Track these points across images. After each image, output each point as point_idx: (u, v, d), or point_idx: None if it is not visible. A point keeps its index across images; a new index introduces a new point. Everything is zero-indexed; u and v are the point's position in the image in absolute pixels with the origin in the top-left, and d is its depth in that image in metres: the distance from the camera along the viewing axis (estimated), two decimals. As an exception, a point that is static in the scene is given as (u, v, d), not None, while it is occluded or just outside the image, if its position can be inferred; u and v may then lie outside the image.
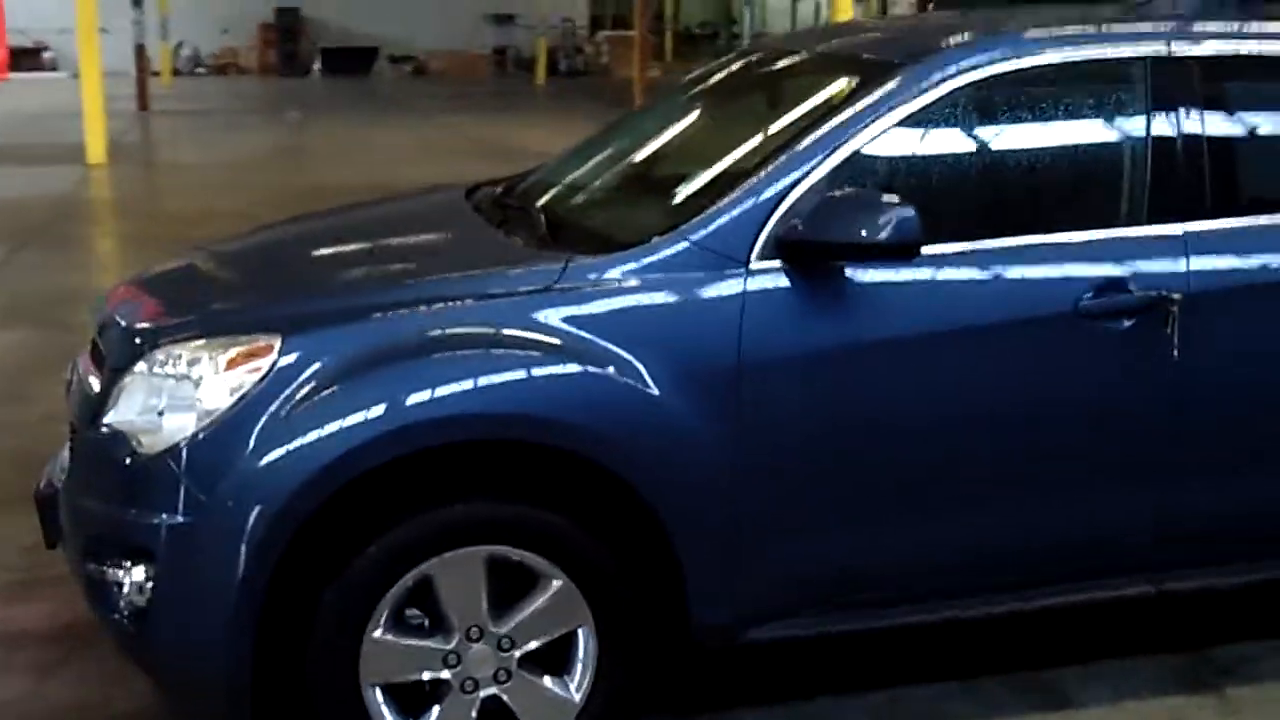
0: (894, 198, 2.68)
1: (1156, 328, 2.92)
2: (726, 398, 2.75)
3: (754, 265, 2.78)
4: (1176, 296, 2.91)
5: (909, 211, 2.64)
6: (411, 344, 2.66)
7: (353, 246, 3.34)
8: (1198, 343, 2.93)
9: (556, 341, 2.69)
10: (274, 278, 3.15)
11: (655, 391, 2.70)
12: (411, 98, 23.54)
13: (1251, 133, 3.20)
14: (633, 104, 21.62)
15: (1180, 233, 2.98)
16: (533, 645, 2.77)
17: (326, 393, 2.60)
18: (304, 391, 2.60)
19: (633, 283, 2.76)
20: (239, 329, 2.74)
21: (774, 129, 3.16)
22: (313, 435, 2.58)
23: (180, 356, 2.74)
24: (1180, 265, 2.96)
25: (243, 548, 2.58)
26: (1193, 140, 3.02)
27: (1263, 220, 3.07)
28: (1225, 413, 3.00)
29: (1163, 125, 3.00)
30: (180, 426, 2.67)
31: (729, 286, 2.77)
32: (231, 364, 2.66)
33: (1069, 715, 3.18)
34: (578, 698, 2.81)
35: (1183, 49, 3.06)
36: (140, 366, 2.79)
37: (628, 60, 29.63)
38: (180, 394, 2.70)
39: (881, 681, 3.28)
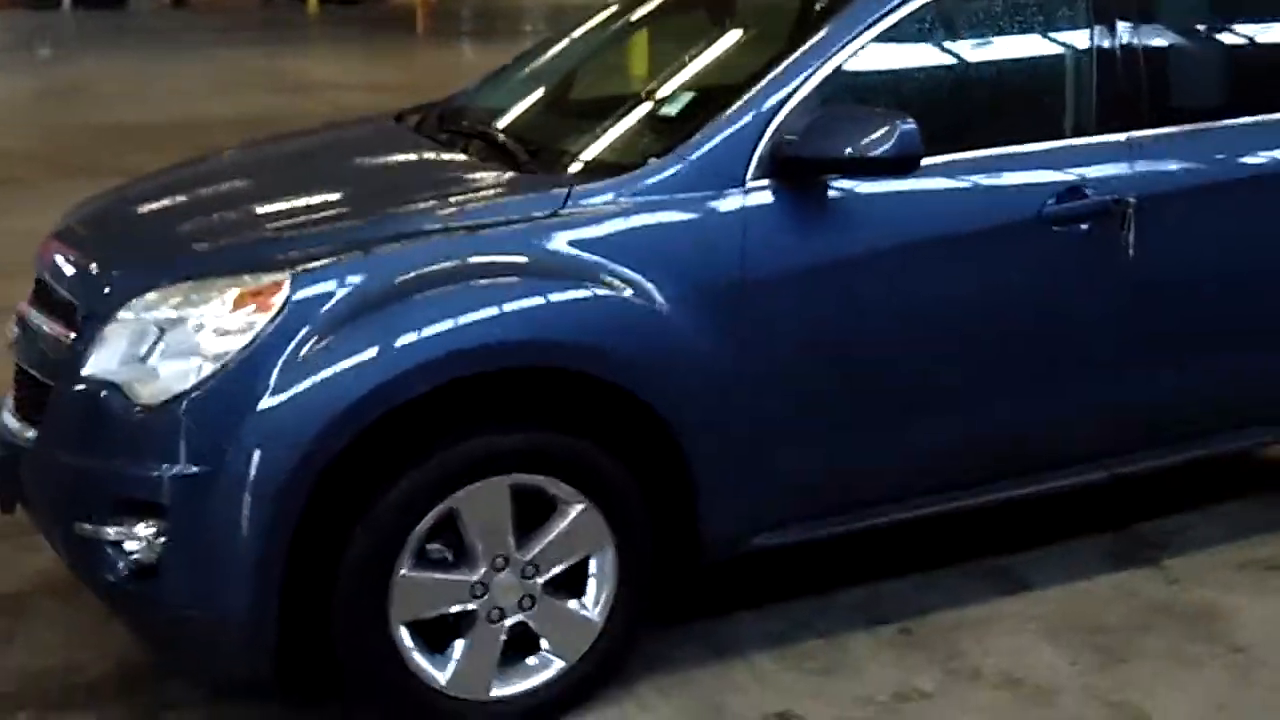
0: (893, 112, 2.75)
1: (1112, 230, 3.10)
2: (731, 313, 2.78)
3: (750, 183, 2.81)
4: (1130, 200, 3.09)
5: (910, 124, 2.71)
6: (429, 275, 2.59)
7: (323, 178, 3.21)
8: (1149, 242, 3.12)
9: (572, 266, 2.67)
10: (252, 213, 3.00)
11: (666, 310, 2.72)
12: (179, 31, 22.28)
13: (1188, 43, 3.40)
14: (417, 31, 21.14)
15: (1125, 140, 3.16)
16: (556, 570, 2.77)
17: (346, 329, 2.52)
18: (321, 329, 2.51)
19: (636, 204, 2.76)
20: (239, 268, 2.61)
21: (746, 46, 3.19)
22: (338, 372, 2.49)
23: (175, 299, 2.60)
24: (1129, 171, 3.14)
25: (269, 492, 2.49)
26: (1130, 51, 3.19)
27: (1201, 126, 3.27)
28: (1174, 306, 3.22)
29: (1104, 38, 3.16)
30: (182, 372, 2.54)
31: (728, 204, 2.80)
32: (238, 304, 2.55)
33: (1031, 597, 3.38)
34: (599, 618, 2.83)
35: None
36: (124, 313, 2.63)
37: (400, -14, 28.91)
38: (179, 339, 2.57)
39: (852, 579, 3.42)
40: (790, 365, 2.87)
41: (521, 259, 2.66)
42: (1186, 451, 3.42)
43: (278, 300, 2.52)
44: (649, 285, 2.72)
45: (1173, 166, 3.19)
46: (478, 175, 3.02)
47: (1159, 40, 3.25)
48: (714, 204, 2.80)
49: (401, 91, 13.76)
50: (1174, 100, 3.27)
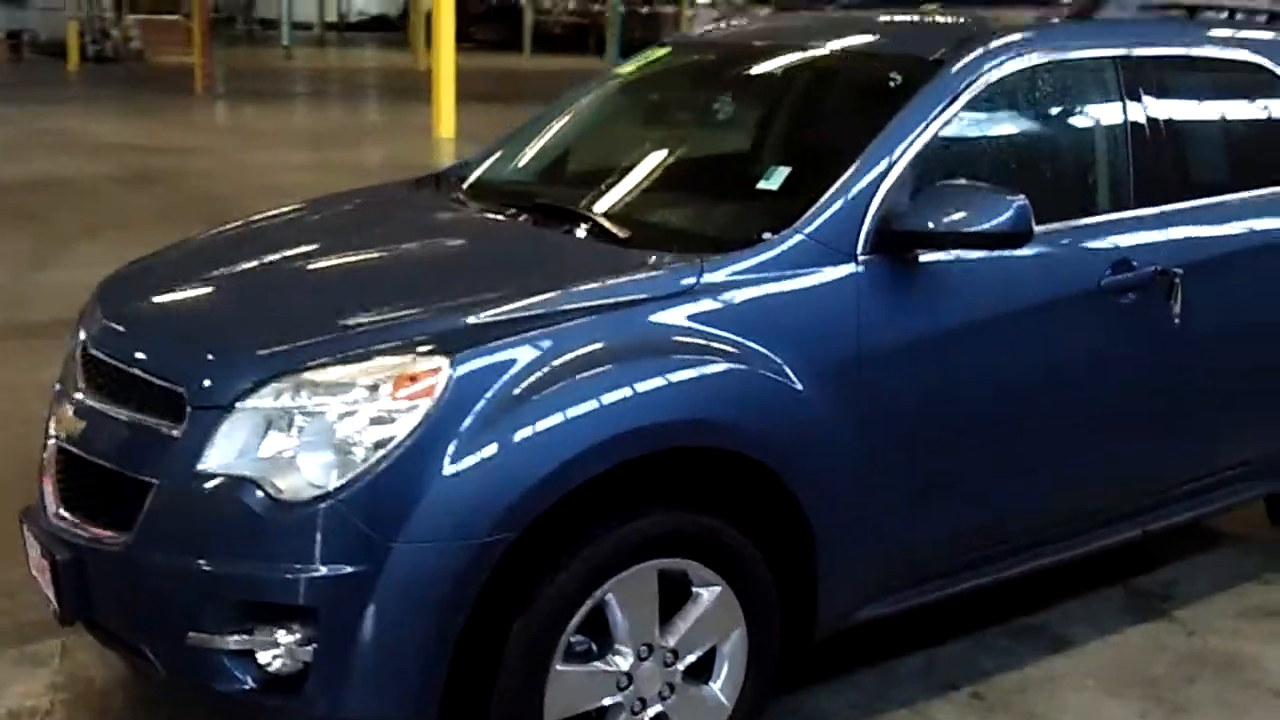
0: (1004, 189, 2.84)
1: (1158, 298, 3.29)
2: (850, 385, 2.80)
3: (860, 256, 2.84)
4: (1176, 270, 3.28)
5: (1024, 201, 2.80)
6: (587, 356, 2.50)
7: (414, 254, 3.06)
8: (1191, 308, 3.32)
9: (714, 344, 2.63)
10: (366, 291, 2.80)
11: (795, 384, 2.72)
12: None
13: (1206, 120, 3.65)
14: (194, 91, 20.37)
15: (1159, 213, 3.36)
16: (694, 656, 2.70)
17: (513, 414, 2.40)
18: (486, 414, 2.39)
19: (760, 280, 2.75)
20: (386, 350, 2.46)
21: (834, 124, 3.23)
22: (512, 459, 2.38)
23: (316, 386, 2.42)
24: (1167, 240, 3.33)
25: (441, 591, 2.35)
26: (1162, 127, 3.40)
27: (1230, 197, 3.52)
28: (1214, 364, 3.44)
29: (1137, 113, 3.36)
30: (332, 464, 2.37)
31: (843, 278, 2.82)
32: (397, 388, 2.39)
33: (1076, 654, 3.50)
34: (729, 702, 2.77)
35: (1144, 50, 3.43)
36: (252, 402, 2.44)
37: (161, 45, 27.90)
38: (324, 428, 2.39)
39: (904, 649, 3.46)
40: (902, 435, 2.90)
41: (670, 338, 2.61)
42: (1209, 506, 3.63)
43: (439, 384, 2.39)
44: (778, 360, 2.70)
45: (1204, 235, 3.41)
46: (592, 253, 2.94)
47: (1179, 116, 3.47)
48: (829, 278, 2.81)
49: (207, 154, 13.34)
50: (1197, 175, 3.50)
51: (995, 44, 3.16)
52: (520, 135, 3.85)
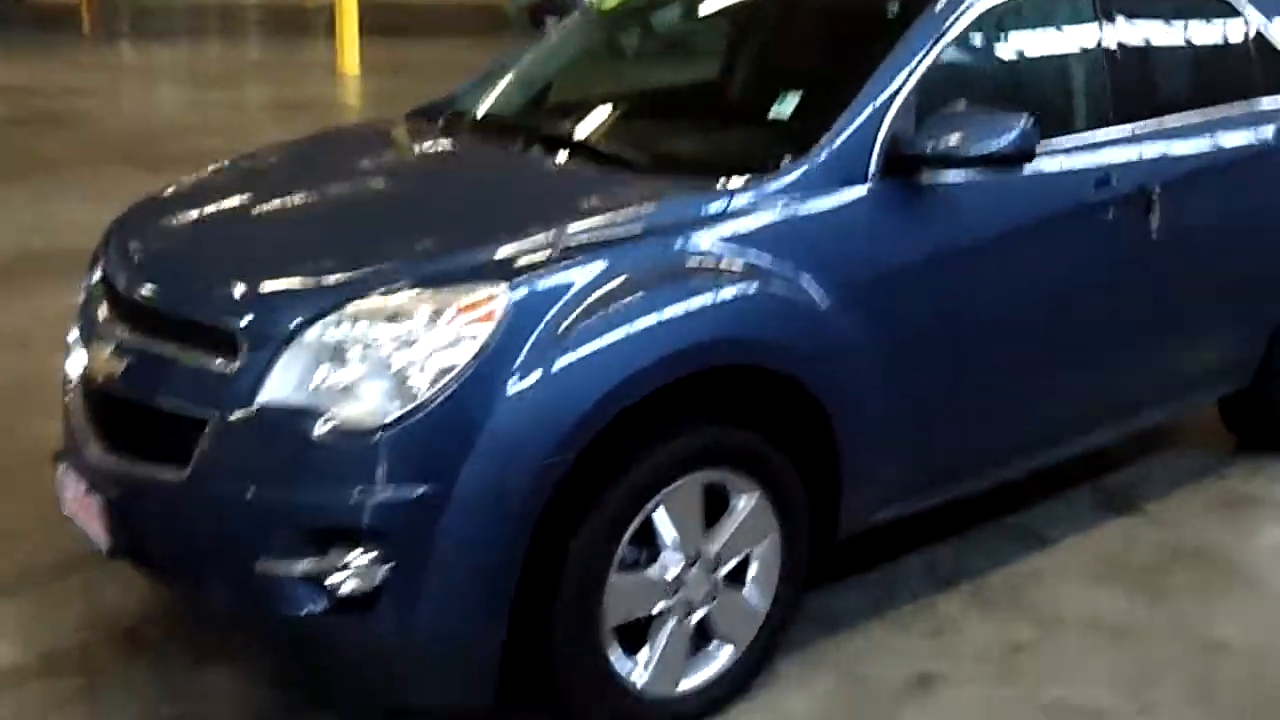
0: (1012, 111, 2.97)
1: (1137, 212, 3.47)
2: (866, 300, 2.92)
3: (871, 179, 2.96)
4: (1154, 187, 3.47)
5: (1032, 122, 2.94)
6: (637, 279, 2.59)
7: (435, 184, 3.11)
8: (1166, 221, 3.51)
9: (745, 266, 2.74)
10: (407, 221, 2.85)
11: (819, 302, 2.84)
12: None
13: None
14: (80, 30, 19.67)
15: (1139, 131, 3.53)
16: (734, 561, 2.84)
17: (570, 336, 2.48)
18: (544, 338, 2.47)
19: (783, 203, 2.85)
20: (448, 279, 2.52)
21: (835, 52, 3.33)
22: (571, 379, 2.47)
23: (374, 316, 2.48)
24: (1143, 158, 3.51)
25: (510, 508, 2.44)
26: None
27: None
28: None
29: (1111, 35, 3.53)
30: (397, 391, 2.43)
31: (856, 200, 2.94)
32: (457, 316, 2.46)
33: (1059, 549, 3.71)
34: (764, 604, 2.92)
35: None
36: (311, 334, 2.48)
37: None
38: (387, 357, 2.45)
39: (903, 550, 3.64)
40: (915, 347, 3.04)
41: (707, 261, 2.70)
42: (1180, 407, 3.86)
43: (498, 310, 2.46)
44: (801, 280, 2.82)
45: (1176, 151, 3.59)
46: (617, 182, 3.00)
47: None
48: (844, 200, 2.92)
49: (111, 94, 12.98)
50: (1166, 93, 3.68)
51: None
52: (509, 69, 3.88)
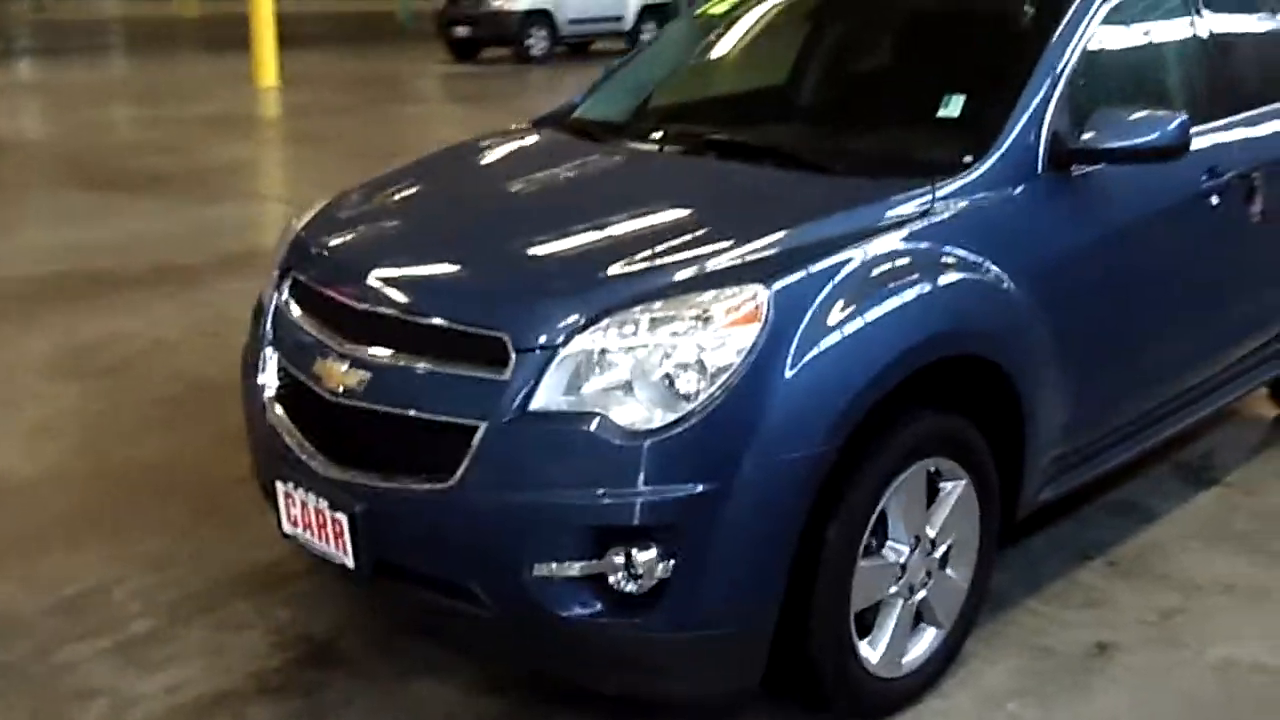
0: (1166, 110, 3.18)
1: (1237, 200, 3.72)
2: (1046, 287, 3.08)
3: (1042, 173, 3.14)
4: (1256, 175, 3.72)
5: (1184, 116, 3.15)
6: (875, 275, 2.72)
7: (640, 193, 3.19)
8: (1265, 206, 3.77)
9: (963, 257, 2.89)
10: (635, 228, 2.93)
11: (1010, 290, 2.99)
12: None
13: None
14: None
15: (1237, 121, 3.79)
16: (948, 544, 2.97)
17: (828, 334, 2.59)
18: (804, 336, 2.57)
19: (975, 199, 3.00)
20: (709, 282, 2.61)
21: (986, 52, 3.50)
22: (834, 375, 2.58)
23: (649, 320, 2.56)
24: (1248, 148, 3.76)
25: (787, 501, 2.54)
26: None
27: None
28: None
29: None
30: (674, 393, 2.51)
31: (1029, 192, 3.11)
32: (725, 316, 2.55)
33: (1168, 521, 3.94)
34: (967, 584, 3.06)
35: None
36: (585, 338, 2.55)
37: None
38: (661, 359, 2.53)
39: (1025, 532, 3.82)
40: (1080, 329, 3.21)
41: (928, 256, 2.84)
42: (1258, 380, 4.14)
43: (762, 309, 2.56)
44: (996, 270, 2.97)
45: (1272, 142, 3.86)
46: (817, 184, 3.14)
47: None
48: (1020, 192, 3.09)
49: (36, 115, 12.57)
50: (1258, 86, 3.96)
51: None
52: (631, 73, 3.98)
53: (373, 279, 2.85)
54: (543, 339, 2.57)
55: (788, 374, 2.54)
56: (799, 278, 2.64)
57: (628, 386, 2.54)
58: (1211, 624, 3.37)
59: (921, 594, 2.94)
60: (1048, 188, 3.15)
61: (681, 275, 2.66)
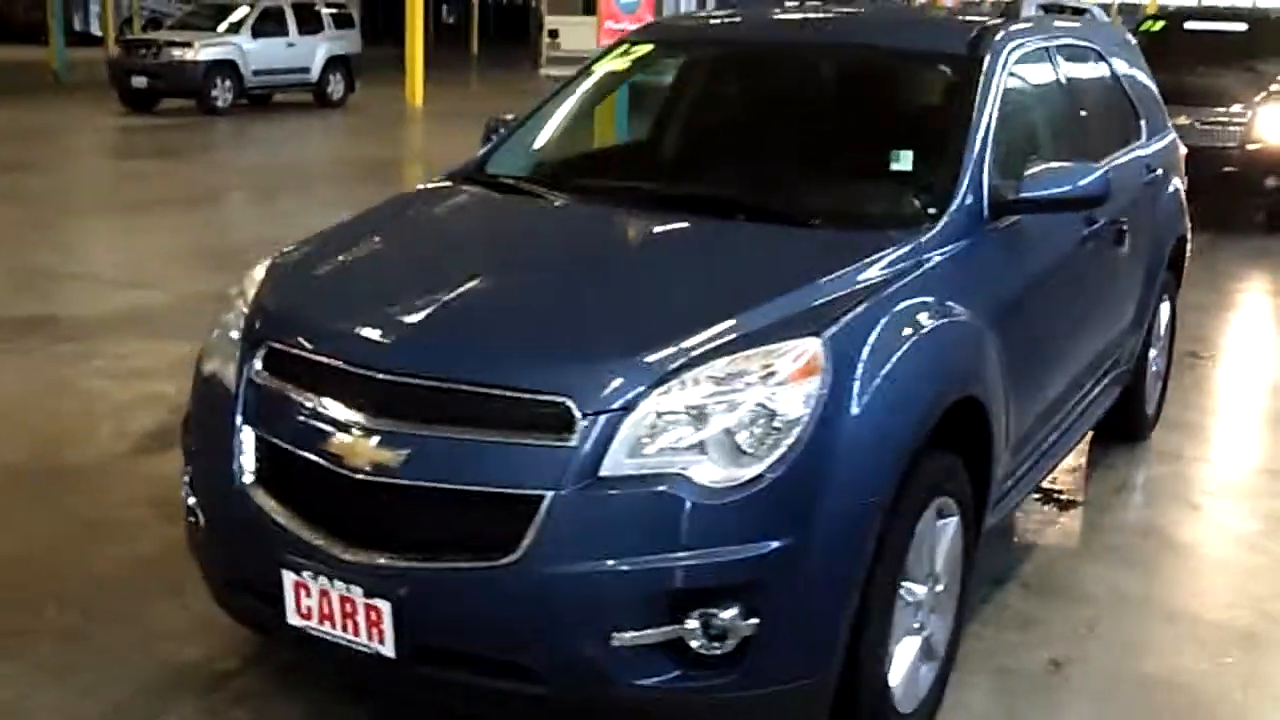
0: (1087, 163, 3.46)
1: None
2: (999, 324, 3.25)
3: (986, 223, 3.34)
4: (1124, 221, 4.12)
5: (1106, 169, 3.45)
6: (904, 323, 2.82)
7: (632, 250, 3.17)
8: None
9: (952, 304, 3.03)
10: (639, 293, 2.96)
11: (981, 331, 3.15)
12: None
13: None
14: None
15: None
16: (946, 578, 3.08)
17: (879, 382, 2.67)
18: (859, 385, 2.63)
19: (947, 250, 3.16)
20: (763, 336, 2.62)
21: (906, 114, 3.68)
22: (891, 423, 2.66)
23: (714, 378, 2.54)
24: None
25: (861, 549, 2.60)
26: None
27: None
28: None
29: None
30: (745, 449, 2.51)
31: (979, 241, 3.30)
32: (788, 370, 2.57)
33: (1045, 547, 4.25)
34: (952, 617, 3.18)
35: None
36: (652, 400, 2.50)
37: None
38: (731, 416, 2.52)
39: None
40: (1020, 362, 3.40)
41: (931, 303, 2.97)
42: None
43: (821, 361, 2.59)
44: (970, 312, 3.13)
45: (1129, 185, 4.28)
46: (806, 239, 3.22)
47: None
48: (973, 242, 3.28)
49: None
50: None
51: (1009, 37, 3.78)
52: (538, 133, 3.96)
53: (397, 346, 2.69)
54: (611, 402, 2.51)
55: (850, 423, 2.59)
56: (843, 328, 2.70)
57: (700, 446, 2.51)
58: (1129, 630, 3.65)
59: (930, 629, 3.04)
60: (991, 236, 3.36)
61: (734, 331, 2.66)
